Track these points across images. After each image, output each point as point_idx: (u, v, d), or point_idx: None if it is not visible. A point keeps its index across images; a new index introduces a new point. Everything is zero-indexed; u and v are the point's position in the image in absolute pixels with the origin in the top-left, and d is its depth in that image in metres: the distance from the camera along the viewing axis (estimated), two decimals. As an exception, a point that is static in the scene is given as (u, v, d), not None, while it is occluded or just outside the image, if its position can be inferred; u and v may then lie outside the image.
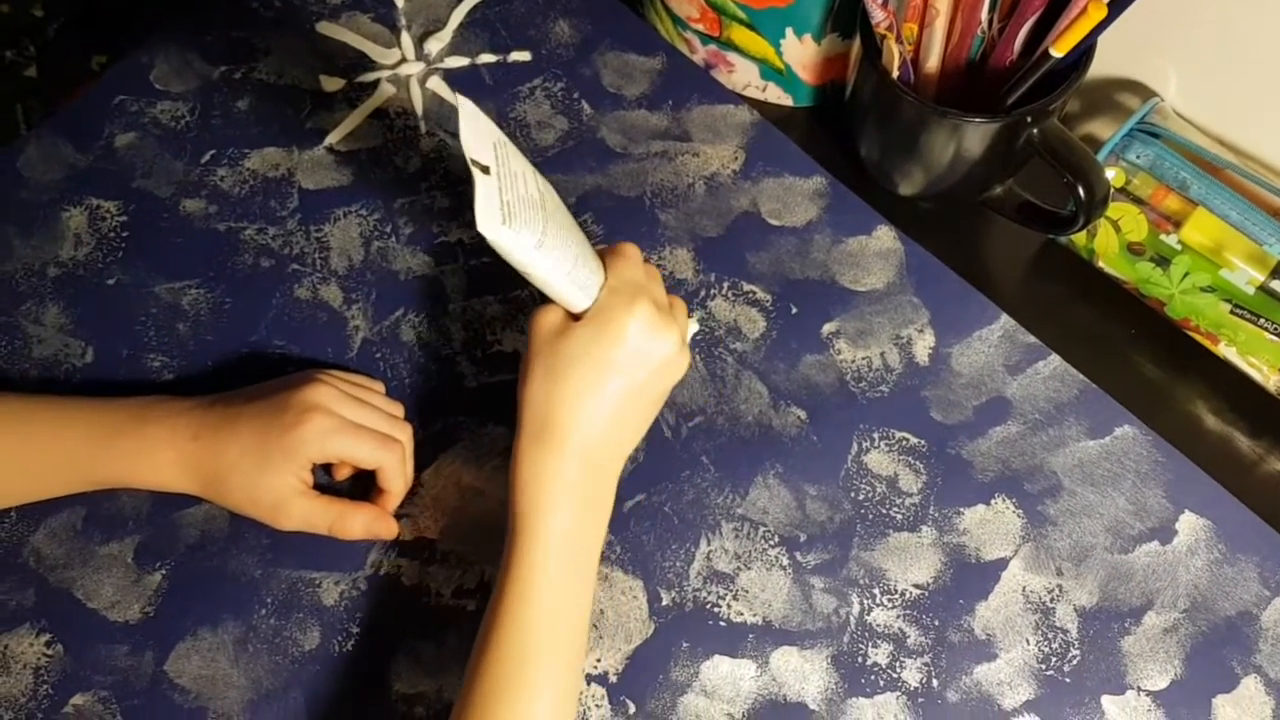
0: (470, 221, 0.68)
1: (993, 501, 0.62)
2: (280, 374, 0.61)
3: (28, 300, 0.66)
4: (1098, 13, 0.52)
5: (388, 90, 0.72)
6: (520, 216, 0.48)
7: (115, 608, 0.60)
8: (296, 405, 0.57)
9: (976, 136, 0.60)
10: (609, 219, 0.68)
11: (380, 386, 0.64)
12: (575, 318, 0.54)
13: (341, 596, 0.60)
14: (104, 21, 1.43)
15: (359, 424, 0.59)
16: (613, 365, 0.52)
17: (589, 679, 0.58)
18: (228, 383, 0.61)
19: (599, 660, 0.58)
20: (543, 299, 0.53)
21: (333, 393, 0.58)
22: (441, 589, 0.60)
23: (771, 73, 0.70)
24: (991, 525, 0.61)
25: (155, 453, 0.57)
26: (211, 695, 0.58)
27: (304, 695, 0.58)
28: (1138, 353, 0.66)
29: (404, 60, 0.73)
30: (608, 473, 0.55)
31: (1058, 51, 0.54)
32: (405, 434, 0.62)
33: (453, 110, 0.71)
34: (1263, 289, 0.59)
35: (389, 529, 0.60)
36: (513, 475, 0.53)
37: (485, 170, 0.47)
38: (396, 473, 0.60)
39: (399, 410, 0.63)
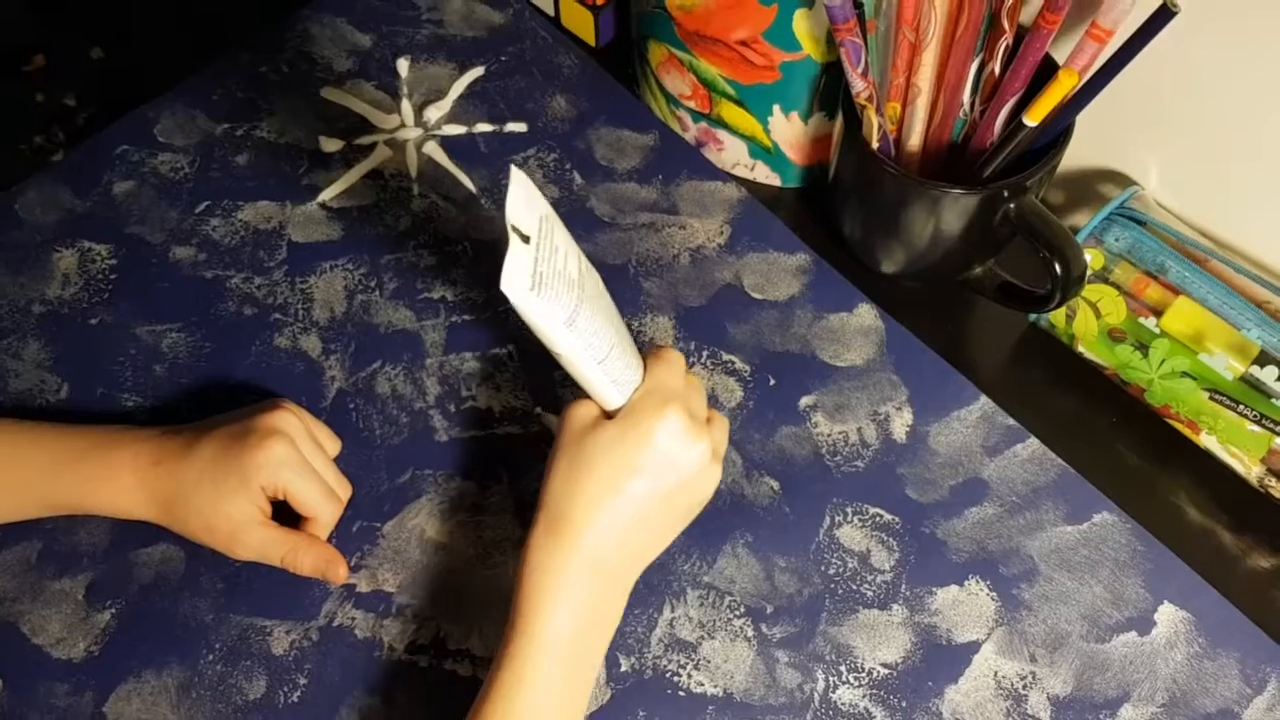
0: (455, 280, 0.69)
1: (966, 583, 0.60)
2: (251, 417, 0.61)
3: (9, 335, 0.67)
4: (1069, 80, 0.53)
5: (384, 152, 0.73)
6: (552, 289, 0.47)
7: (60, 644, 0.58)
8: (261, 429, 0.56)
9: (955, 210, 0.60)
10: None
11: (339, 444, 0.63)
12: (608, 416, 0.53)
13: (292, 646, 0.58)
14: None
15: (311, 465, 0.58)
16: (635, 468, 0.51)
17: (539, 744, 0.56)
18: (197, 421, 0.61)
19: (551, 725, 0.56)
20: (579, 392, 0.53)
21: (298, 425, 0.58)
22: (395, 643, 0.58)
23: (760, 151, 0.71)
24: (964, 607, 0.60)
25: (117, 477, 0.57)
26: (149, 740, 0.56)
27: (244, 746, 0.56)
28: (1119, 441, 0.65)
29: (403, 125, 0.74)
30: (619, 580, 0.53)
31: (1031, 120, 0.55)
32: (346, 495, 0.61)
33: (447, 175, 0.73)
34: (1244, 379, 0.58)
35: (339, 574, 0.58)
36: (520, 568, 0.52)
37: (525, 239, 0.47)
38: (324, 529, 0.60)
39: (347, 485, 0.62)
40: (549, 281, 0.47)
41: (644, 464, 0.51)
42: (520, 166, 0.73)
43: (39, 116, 1.64)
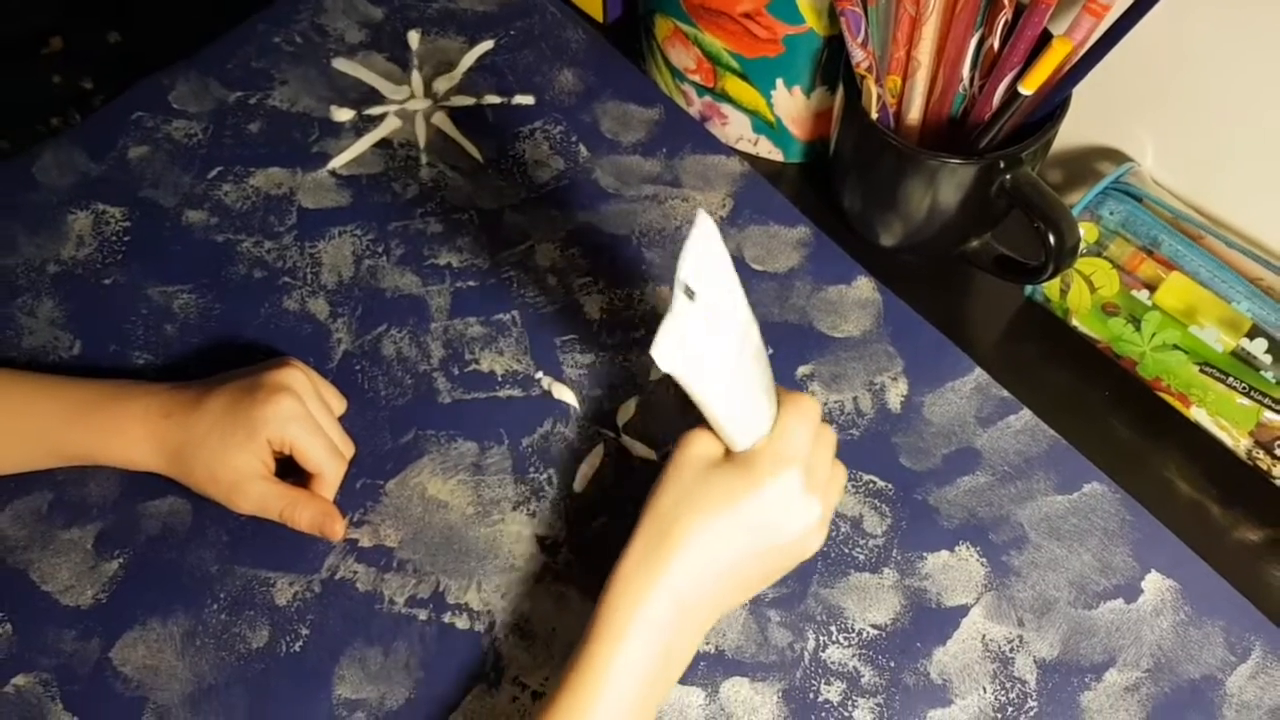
0: (461, 247, 0.70)
1: (957, 548, 0.61)
2: (259, 377, 0.62)
3: (24, 294, 0.68)
4: (1063, 47, 0.54)
5: (394, 123, 0.75)
6: (706, 348, 0.46)
7: (69, 592, 0.59)
8: (269, 384, 0.58)
9: (952, 182, 0.61)
10: (596, 254, 0.70)
11: (344, 403, 0.64)
12: (729, 453, 0.52)
13: (295, 597, 0.60)
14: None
15: (318, 422, 0.60)
16: (738, 521, 0.50)
17: (534, 696, 0.57)
18: (205, 377, 0.63)
19: (547, 678, 0.57)
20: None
21: (305, 383, 0.59)
22: (395, 596, 0.60)
23: (763, 126, 0.72)
24: (954, 571, 0.61)
25: (127, 429, 0.58)
26: (153, 686, 0.57)
27: (246, 692, 0.57)
28: (1111, 414, 0.66)
29: (413, 96, 0.76)
30: (698, 622, 0.52)
31: (1026, 89, 0.56)
32: (349, 454, 0.62)
33: (455, 145, 0.74)
34: (1234, 353, 0.59)
35: (335, 530, 0.60)
36: (606, 587, 0.51)
37: (690, 294, 0.44)
38: (331, 485, 0.61)
39: (350, 444, 0.63)
40: (704, 341, 0.45)
41: (750, 520, 0.51)
42: (527, 139, 0.74)
43: (56, 99, 1.66)
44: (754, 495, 0.50)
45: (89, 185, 0.72)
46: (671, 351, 0.44)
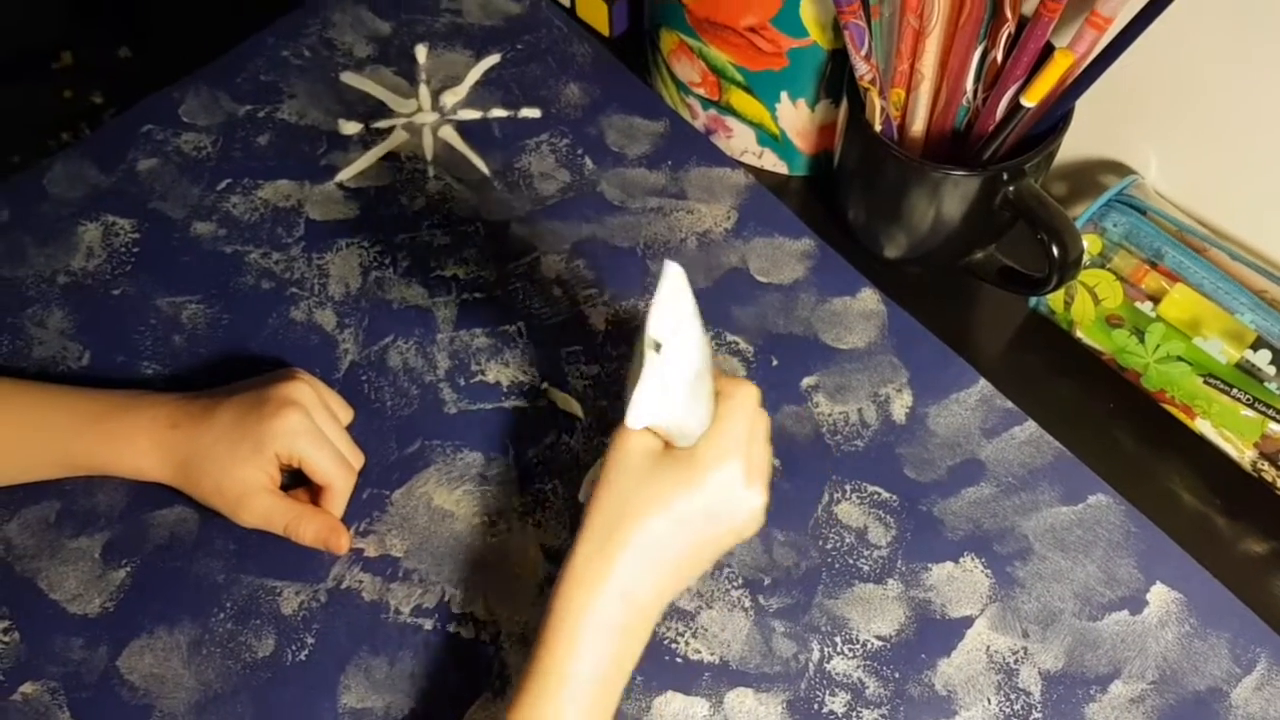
0: (467, 259, 0.71)
1: (961, 560, 0.61)
2: (267, 386, 0.63)
3: (35, 304, 0.69)
4: (1064, 60, 0.54)
5: (401, 136, 0.75)
6: (668, 405, 0.47)
7: (76, 600, 0.60)
8: (276, 398, 0.58)
9: (955, 193, 0.62)
10: (601, 266, 0.70)
11: (351, 413, 0.65)
12: (667, 445, 0.52)
13: (301, 606, 0.60)
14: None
15: (326, 435, 0.60)
16: (684, 516, 0.51)
17: (539, 705, 0.57)
18: (213, 388, 0.63)
19: (551, 688, 0.58)
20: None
21: (312, 396, 0.60)
22: (400, 606, 0.60)
23: (768, 139, 0.73)
24: (959, 583, 0.61)
25: (134, 439, 0.59)
26: (160, 694, 0.57)
27: (252, 701, 0.57)
28: (1115, 426, 0.66)
29: (420, 110, 0.76)
30: (646, 615, 0.52)
31: (1029, 101, 0.56)
32: (358, 464, 0.63)
33: (461, 158, 0.75)
34: (1238, 365, 0.59)
35: (339, 544, 0.60)
36: (555, 590, 0.51)
37: (658, 348, 0.46)
38: (341, 496, 0.61)
39: (359, 454, 0.63)
40: (669, 398, 0.47)
41: (694, 513, 0.51)
42: (533, 152, 0.75)
43: (66, 113, 1.68)
44: (698, 490, 0.50)
45: (99, 197, 0.73)
46: (643, 417, 0.46)
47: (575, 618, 0.49)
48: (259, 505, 0.58)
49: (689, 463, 0.51)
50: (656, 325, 0.45)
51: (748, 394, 0.53)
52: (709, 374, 0.51)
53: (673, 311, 0.46)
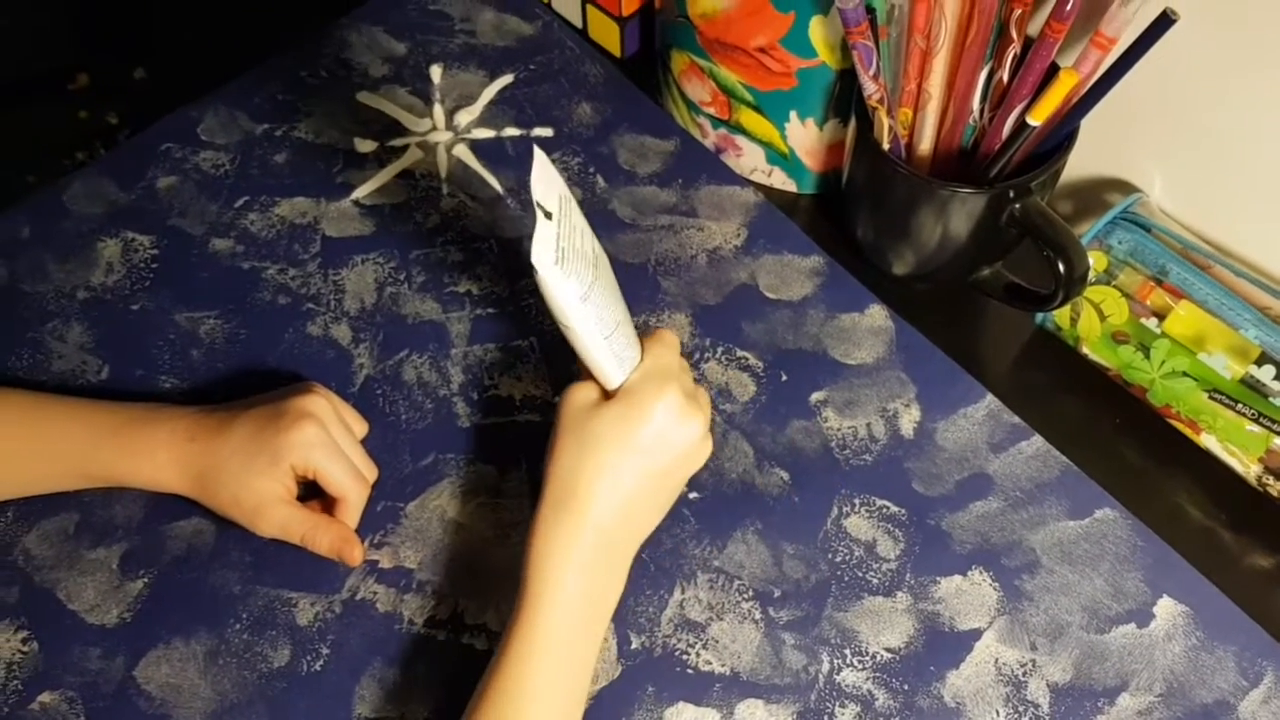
0: (480, 275, 0.71)
1: (969, 573, 0.62)
2: (283, 400, 0.64)
3: (55, 318, 0.70)
4: (1070, 79, 0.55)
5: (416, 154, 0.76)
6: (572, 265, 0.50)
7: (94, 611, 0.61)
8: (293, 411, 0.59)
9: (963, 211, 0.63)
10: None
11: (366, 426, 0.66)
12: (607, 396, 0.56)
13: (316, 617, 0.60)
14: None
15: (341, 448, 0.61)
16: (637, 446, 0.54)
17: (551, 716, 0.58)
18: (231, 401, 0.64)
19: (563, 698, 0.58)
20: (579, 374, 0.56)
21: (328, 409, 0.61)
22: (414, 618, 0.60)
23: (777, 157, 0.74)
24: (967, 596, 0.61)
25: (153, 451, 0.60)
26: (176, 704, 0.58)
27: (267, 711, 0.58)
28: (1121, 441, 0.67)
29: (434, 129, 0.78)
30: (622, 552, 0.56)
31: (1035, 120, 0.57)
32: (372, 477, 0.64)
33: (475, 176, 0.76)
34: (1243, 380, 0.60)
35: (353, 555, 0.60)
36: (529, 542, 0.54)
37: (548, 216, 0.50)
38: (355, 509, 0.62)
39: (373, 467, 0.64)
40: (569, 259, 0.50)
41: (645, 442, 0.54)
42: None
43: (82, 134, 1.69)
44: (643, 420, 0.54)
45: (118, 214, 0.74)
46: (547, 259, 0.48)
47: (553, 562, 0.53)
48: (276, 515, 0.59)
49: (629, 399, 0.55)
50: (537, 191, 0.50)
51: (670, 336, 0.58)
52: (620, 297, 0.56)
53: (549, 187, 0.51)
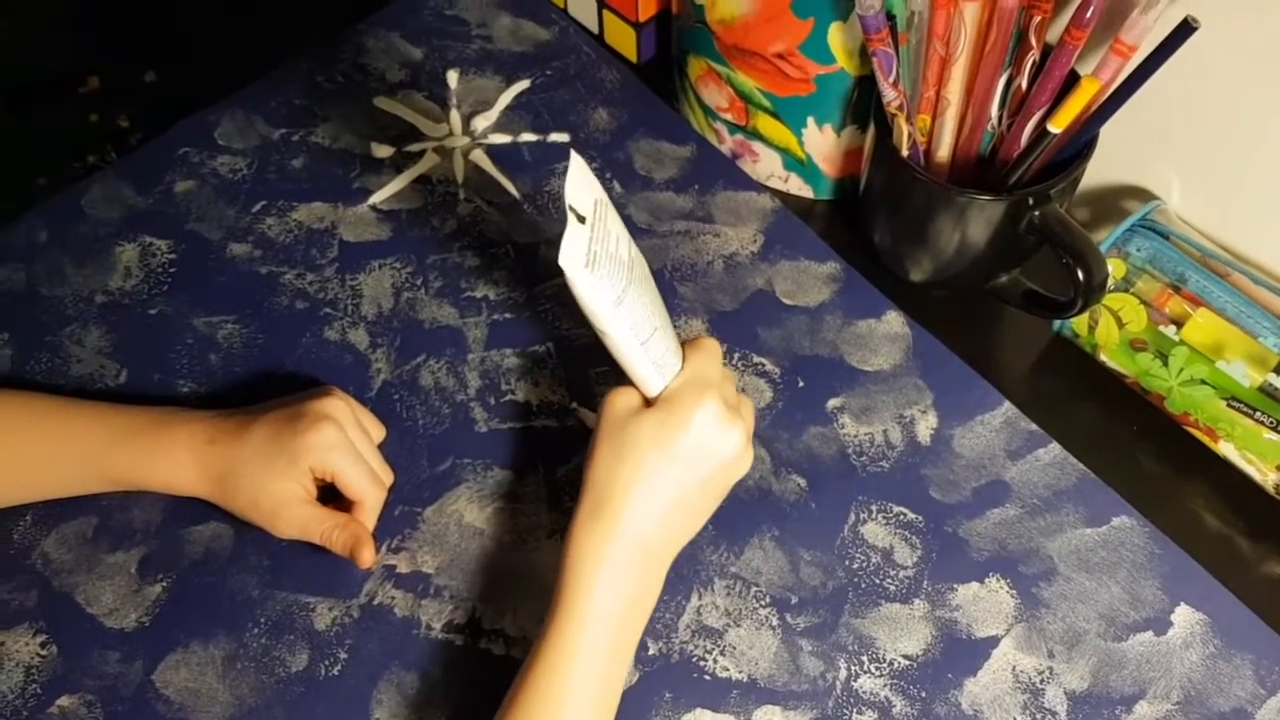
0: (497, 280, 0.72)
1: (987, 580, 0.62)
2: (301, 405, 0.64)
3: (73, 323, 0.70)
4: (1091, 87, 0.55)
5: (433, 159, 0.77)
6: (604, 269, 0.50)
7: (113, 615, 0.61)
8: (312, 413, 0.59)
9: (981, 218, 0.63)
10: (629, 288, 0.71)
11: (384, 431, 0.66)
12: (648, 403, 0.55)
13: (334, 622, 0.61)
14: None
15: (359, 451, 0.61)
16: (675, 454, 0.54)
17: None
18: (249, 406, 0.64)
19: (581, 704, 0.58)
20: (619, 379, 0.56)
21: (347, 412, 0.61)
22: (432, 622, 0.61)
23: (794, 163, 0.74)
24: (985, 603, 0.61)
25: (172, 454, 0.60)
26: (194, 708, 0.58)
27: (285, 716, 0.58)
28: (1139, 448, 0.67)
29: (451, 134, 0.78)
30: (658, 560, 0.55)
31: (1055, 127, 0.57)
32: (389, 481, 0.64)
33: (492, 181, 0.76)
34: (1261, 388, 0.60)
35: (363, 556, 0.60)
36: (564, 548, 0.54)
37: (581, 220, 0.49)
38: (371, 513, 0.62)
39: (389, 471, 0.64)
40: (601, 261, 0.50)
41: (683, 450, 0.54)
42: (562, 175, 0.76)
43: (93, 137, 1.70)
44: (682, 428, 0.54)
45: (136, 218, 0.74)
46: (576, 261, 0.48)
47: (589, 566, 0.53)
48: (296, 516, 0.59)
49: (668, 407, 0.54)
50: (571, 195, 0.49)
51: (712, 344, 0.57)
52: (660, 302, 0.55)
53: (585, 190, 0.51)
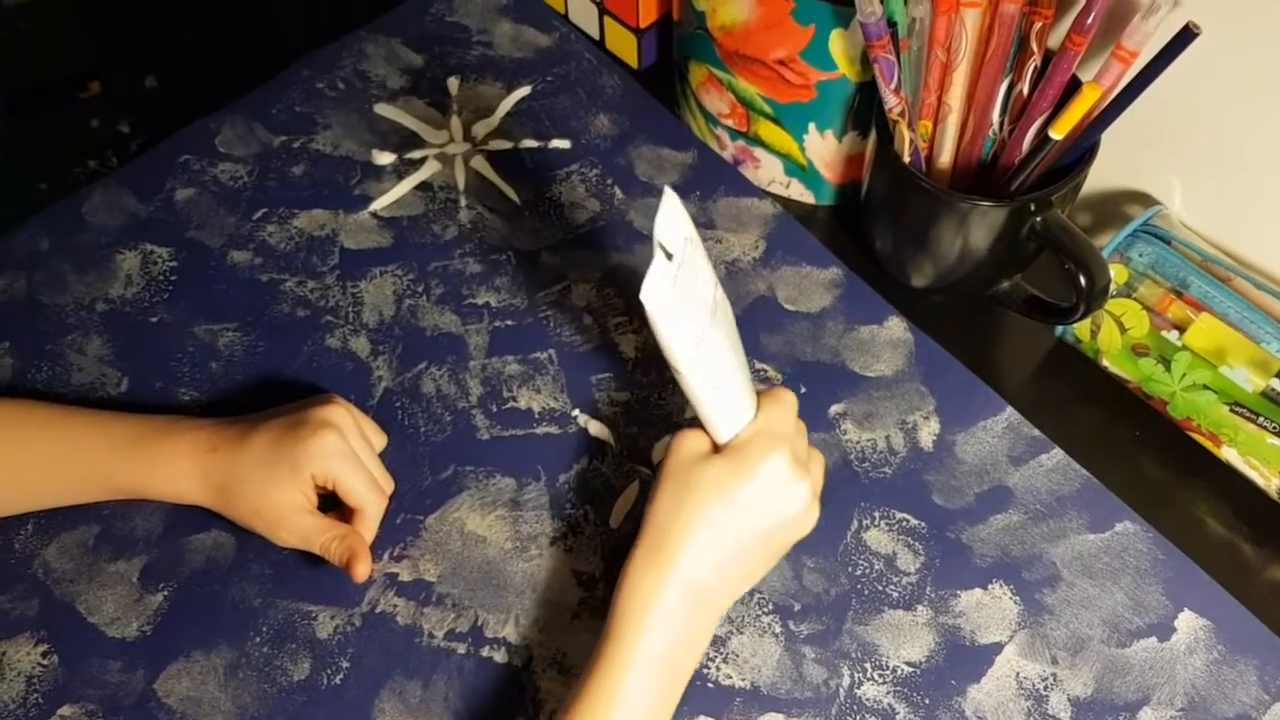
0: (499, 286, 0.72)
1: (990, 586, 0.62)
2: (302, 413, 0.64)
3: (74, 331, 0.70)
4: (1092, 93, 0.55)
5: (434, 166, 0.77)
6: (685, 309, 0.49)
7: (114, 624, 0.61)
8: (313, 421, 0.59)
9: (983, 224, 0.63)
10: (631, 293, 0.71)
11: (385, 439, 0.66)
12: (717, 449, 0.55)
13: (336, 630, 0.60)
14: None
15: (361, 458, 0.61)
16: (737, 504, 0.53)
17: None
18: (251, 414, 0.64)
19: (583, 712, 0.58)
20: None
21: (349, 420, 0.61)
22: (434, 630, 0.60)
23: (795, 169, 0.74)
24: (988, 609, 0.61)
25: (174, 462, 0.60)
26: (196, 717, 0.58)
27: (287, 725, 0.58)
28: (1141, 454, 0.67)
29: (452, 140, 0.78)
30: (711, 608, 0.54)
31: (1057, 134, 0.57)
32: (389, 489, 0.64)
33: (493, 188, 0.76)
34: (1264, 393, 0.60)
35: (357, 571, 0.59)
36: (618, 585, 0.53)
37: (669, 257, 0.48)
38: (372, 521, 0.62)
39: (389, 479, 0.64)
40: (684, 301, 0.49)
41: (747, 500, 0.53)
42: (563, 181, 0.76)
43: (94, 142, 1.70)
44: (747, 479, 0.53)
45: (137, 226, 0.74)
46: (658, 297, 0.47)
47: (640, 607, 0.52)
48: (297, 525, 0.59)
49: (737, 454, 0.54)
50: (661, 232, 0.48)
51: (788, 394, 0.56)
52: (740, 349, 0.55)
53: (676, 228, 0.49)
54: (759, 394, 0.56)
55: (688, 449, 0.55)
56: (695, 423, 0.55)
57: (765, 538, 0.54)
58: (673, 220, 0.49)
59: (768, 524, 0.54)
